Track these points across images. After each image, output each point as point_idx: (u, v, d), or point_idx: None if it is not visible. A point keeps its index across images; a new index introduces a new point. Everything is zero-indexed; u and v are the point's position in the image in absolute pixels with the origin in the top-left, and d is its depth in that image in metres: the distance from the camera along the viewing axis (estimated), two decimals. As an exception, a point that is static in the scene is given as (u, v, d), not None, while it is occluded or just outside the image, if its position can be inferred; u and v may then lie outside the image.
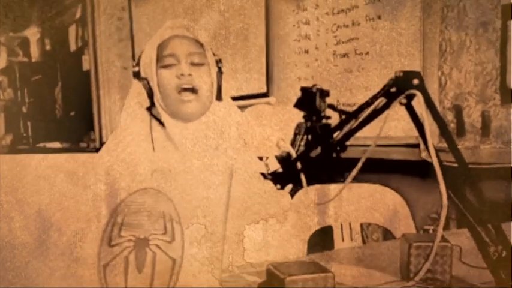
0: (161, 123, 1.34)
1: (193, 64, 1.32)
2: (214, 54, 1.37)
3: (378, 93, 0.99)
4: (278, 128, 1.38)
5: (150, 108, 1.35)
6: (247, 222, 1.23)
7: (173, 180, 0.86)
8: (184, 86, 1.31)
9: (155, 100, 1.33)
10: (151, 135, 1.32)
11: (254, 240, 1.23)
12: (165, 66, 1.32)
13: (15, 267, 0.82)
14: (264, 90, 2.59)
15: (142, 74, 1.34)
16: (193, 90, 1.31)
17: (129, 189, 0.85)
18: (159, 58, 1.32)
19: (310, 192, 1.35)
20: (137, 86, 1.35)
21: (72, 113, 4.40)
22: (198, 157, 1.30)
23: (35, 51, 4.80)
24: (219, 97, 1.36)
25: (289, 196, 1.12)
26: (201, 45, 1.35)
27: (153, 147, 1.31)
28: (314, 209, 1.34)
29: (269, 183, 1.15)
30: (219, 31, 2.84)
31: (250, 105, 1.45)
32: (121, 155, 1.32)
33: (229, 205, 0.89)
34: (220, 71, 1.36)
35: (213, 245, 0.87)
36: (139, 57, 1.36)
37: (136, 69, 1.35)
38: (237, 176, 0.90)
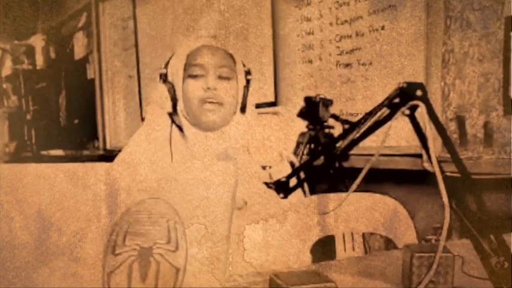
0: (181, 130, 1.32)
1: (220, 77, 1.30)
2: (243, 65, 1.35)
3: (381, 103, 0.99)
4: (278, 128, 1.37)
5: (172, 114, 1.32)
6: (247, 222, 1.23)
7: (173, 180, 0.86)
8: (208, 100, 1.28)
9: (178, 106, 1.31)
10: (170, 143, 1.30)
11: (254, 240, 1.22)
12: (192, 76, 1.30)
13: (15, 267, 0.82)
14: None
15: (169, 78, 1.32)
16: (217, 104, 1.29)
17: (129, 189, 0.84)
18: (188, 66, 1.30)
19: (313, 200, 1.35)
20: (159, 90, 1.33)
21: (76, 121, 4.42)
22: (198, 157, 1.29)
23: (39, 59, 4.83)
24: (243, 110, 1.34)
25: None
26: (232, 58, 1.33)
27: (172, 157, 1.29)
28: (314, 209, 1.33)
29: None
30: (219, 31, 2.84)
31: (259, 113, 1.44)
32: (121, 155, 1.32)
33: (230, 205, 0.88)
34: (248, 84, 1.34)
35: (213, 245, 0.87)
36: (169, 60, 1.34)
37: (164, 71, 1.33)
38: (237, 176, 0.90)
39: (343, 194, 1.39)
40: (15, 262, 0.82)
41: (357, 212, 1.47)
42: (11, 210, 0.82)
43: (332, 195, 1.43)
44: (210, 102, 1.29)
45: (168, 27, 3.37)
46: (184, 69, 1.30)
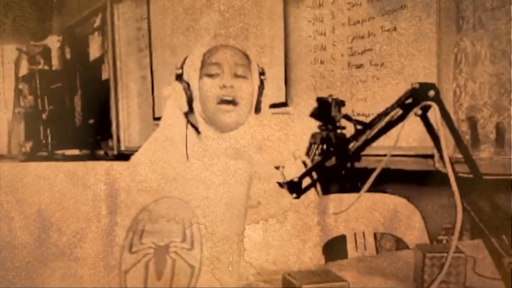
0: (197, 130, 1.33)
1: (236, 76, 1.31)
2: (258, 66, 1.36)
3: (394, 104, 0.99)
4: (278, 128, 1.37)
5: (187, 114, 1.33)
6: (247, 222, 1.23)
7: (173, 180, 0.86)
8: (224, 98, 1.29)
9: (194, 106, 1.32)
10: (186, 142, 1.31)
11: (254, 240, 1.22)
12: (209, 75, 1.30)
13: (15, 267, 0.82)
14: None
15: (185, 78, 1.33)
16: (233, 103, 1.30)
17: (129, 189, 0.84)
18: (204, 65, 1.31)
19: (313, 200, 1.35)
20: (175, 90, 1.33)
21: (91, 121, 4.46)
22: (198, 157, 1.30)
23: (55, 60, 4.87)
24: (257, 110, 1.35)
25: (289, 196, 1.10)
26: (247, 57, 1.34)
27: (187, 156, 1.29)
28: (314, 209, 1.33)
29: (269, 183, 1.14)
30: (219, 31, 2.84)
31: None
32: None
33: (230, 205, 0.89)
34: (262, 84, 1.35)
35: (213, 245, 0.87)
36: (184, 60, 1.35)
37: (179, 71, 1.34)
38: (237, 176, 0.90)
39: (344, 195, 1.40)
40: (15, 262, 0.82)
41: (357, 212, 1.47)
42: (11, 210, 0.82)
43: (332, 196, 1.44)
44: (226, 102, 1.29)
45: (168, 27, 3.38)
46: (201, 68, 1.31)
